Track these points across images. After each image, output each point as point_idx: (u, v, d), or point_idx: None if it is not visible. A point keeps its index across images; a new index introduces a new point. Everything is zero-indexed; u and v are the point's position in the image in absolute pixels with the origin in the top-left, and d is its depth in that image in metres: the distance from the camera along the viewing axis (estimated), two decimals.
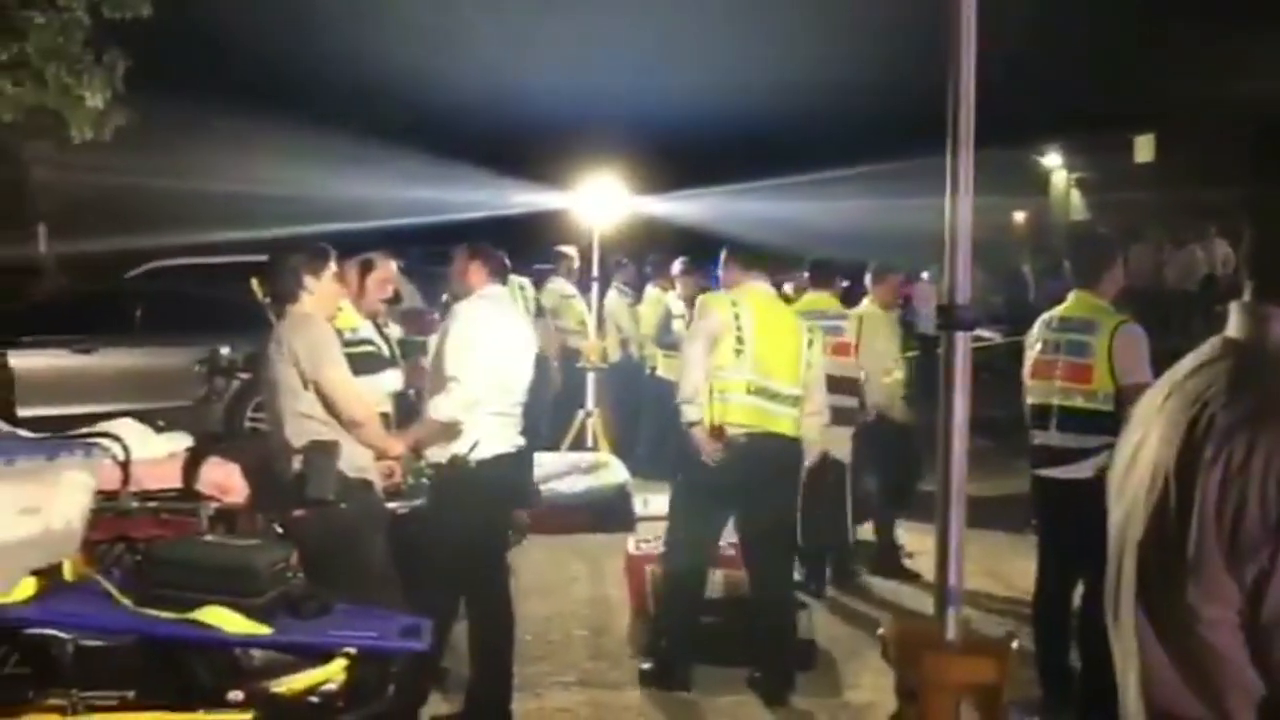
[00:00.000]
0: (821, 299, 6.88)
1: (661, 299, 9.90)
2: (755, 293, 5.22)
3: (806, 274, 7.13)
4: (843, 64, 17.59)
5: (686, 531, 5.25)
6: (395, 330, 5.62)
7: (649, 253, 11.22)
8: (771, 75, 18.48)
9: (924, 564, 6.88)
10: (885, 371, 6.88)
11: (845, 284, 7.72)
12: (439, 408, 4.55)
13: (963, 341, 2.09)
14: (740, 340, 5.05)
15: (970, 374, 2.23)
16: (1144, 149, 26.41)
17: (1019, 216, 28.26)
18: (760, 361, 5.07)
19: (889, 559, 6.96)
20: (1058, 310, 4.90)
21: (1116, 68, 20.67)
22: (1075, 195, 29.29)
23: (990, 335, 11.46)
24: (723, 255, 5.47)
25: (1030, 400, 4.89)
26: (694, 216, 12.18)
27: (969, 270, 2.12)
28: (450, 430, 4.55)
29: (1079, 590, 4.83)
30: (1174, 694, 1.29)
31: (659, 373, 9.48)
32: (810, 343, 5.25)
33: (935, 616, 2.05)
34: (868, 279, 7.24)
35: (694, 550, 5.27)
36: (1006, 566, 6.69)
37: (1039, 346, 4.86)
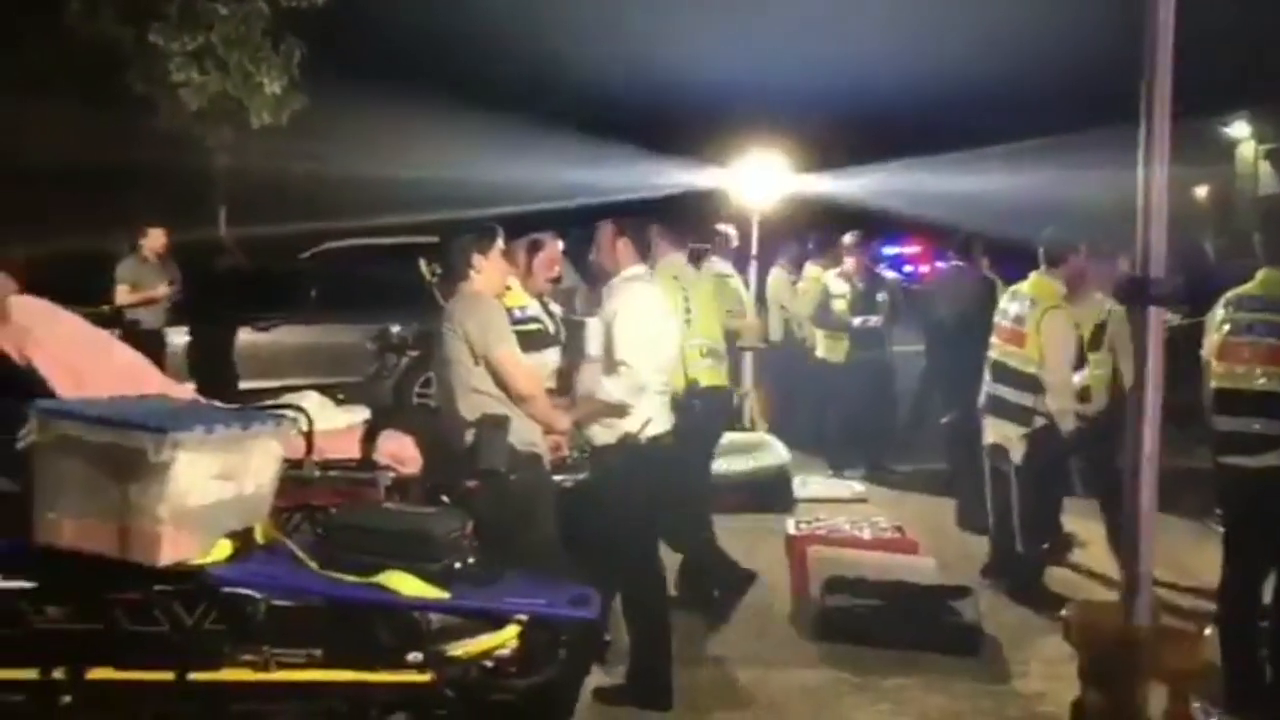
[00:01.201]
0: (1045, 284, 6.09)
1: (820, 278, 9.80)
2: (680, 265, 5.99)
3: (1040, 250, 6.18)
4: (1016, 29, 16.97)
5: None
6: (557, 308, 5.76)
7: (810, 231, 11.12)
8: (939, 43, 17.99)
9: (1089, 554, 6.67)
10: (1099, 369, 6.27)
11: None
12: (609, 390, 4.64)
13: (1156, 318, 2.02)
14: (689, 310, 5.75)
15: (1162, 354, 2.16)
16: None
17: (1200, 190, 26.82)
18: (704, 325, 5.87)
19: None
20: (1246, 288, 4.63)
21: None
22: (1265, 167, 27.58)
23: (1169, 316, 10.95)
24: (652, 231, 5.58)
25: (1216, 384, 4.64)
26: (857, 193, 11.97)
27: (1164, 241, 2.05)
28: (615, 410, 4.65)
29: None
30: None
31: (818, 354, 9.38)
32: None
33: (1123, 600, 2.00)
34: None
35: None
36: (1184, 555, 6.41)
37: (1226, 328, 4.60)
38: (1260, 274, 4.61)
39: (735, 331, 10.06)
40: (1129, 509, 2.07)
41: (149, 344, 8.66)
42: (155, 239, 9.67)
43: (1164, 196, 2.11)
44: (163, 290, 9.51)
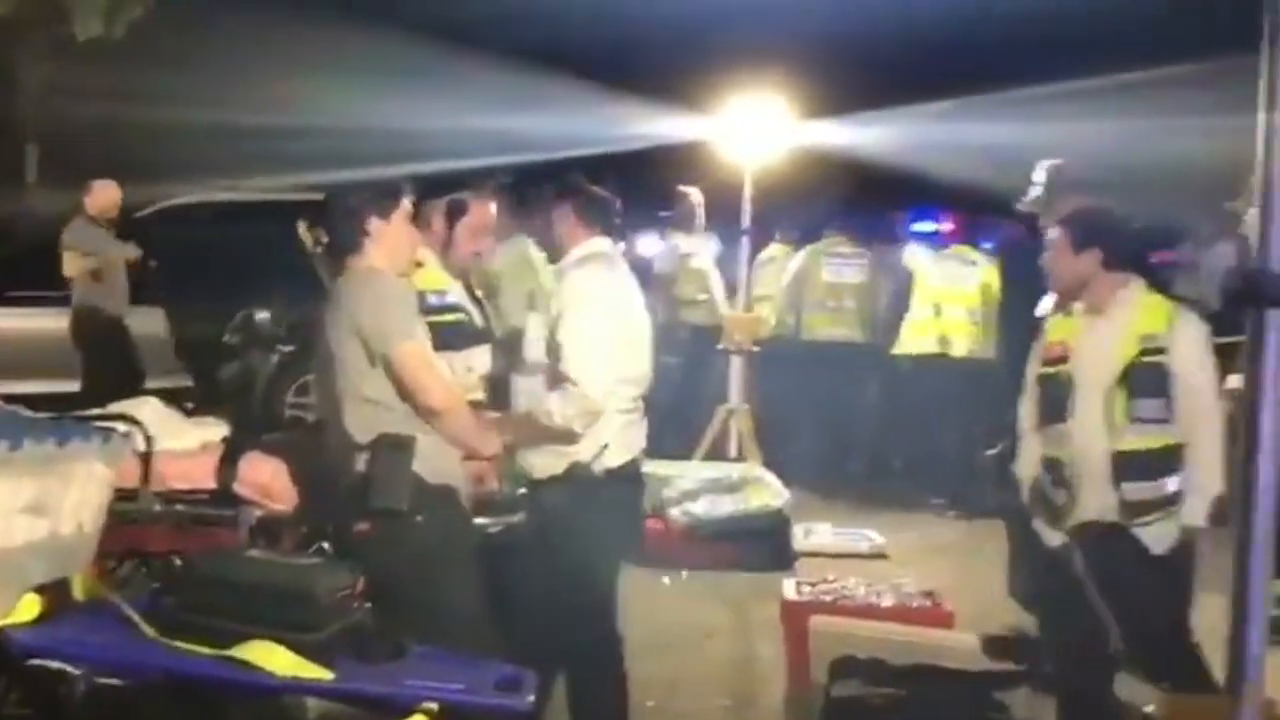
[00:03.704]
0: None
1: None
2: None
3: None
4: None
5: None
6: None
7: (820, 195, 11.23)
8: None
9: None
10: None
11: None
12: (554, 412, 4.64)
13: (1278, 327, 2.07)
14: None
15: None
16: None
17: None
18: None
19: None
20: None
21: None
22: None
23: None
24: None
25: None
26: (881, 146, 12.00)
27: None
28: (559, 436, 4.66)
29: None
30: None
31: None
32: None
33: (1226, 692, 2.04)
34: None
35: None
36: None
37: None
38: None
39: (712, 330, 10.19)
40: (1236, 572, 2.11)
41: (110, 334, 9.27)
42: (104, 196, 9.97)
43: None
44: None
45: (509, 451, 4.79)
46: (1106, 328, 4.89)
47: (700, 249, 10.81)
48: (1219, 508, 4.62)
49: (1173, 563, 4.76)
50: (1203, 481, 4.72)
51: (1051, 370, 4.98)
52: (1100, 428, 4.79)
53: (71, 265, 9.92)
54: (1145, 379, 4.77)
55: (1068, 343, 4.97)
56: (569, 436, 4.67)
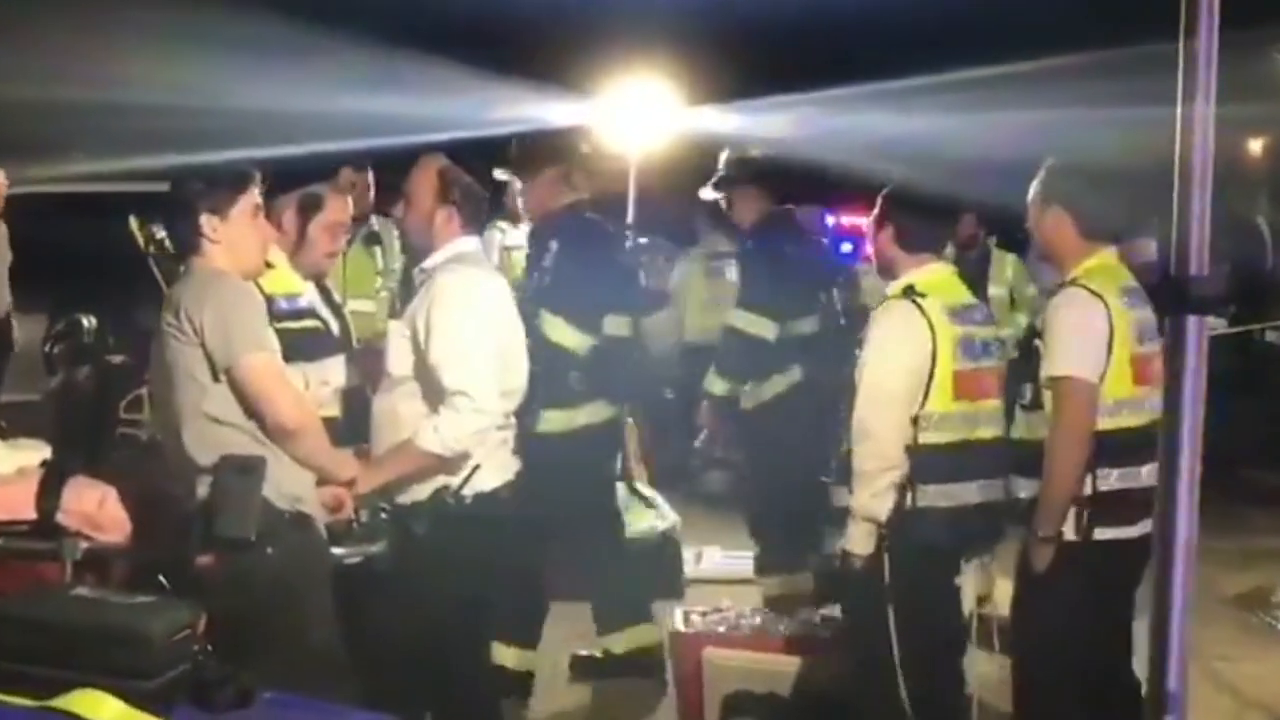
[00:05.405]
0: None
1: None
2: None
3: None
4: None
5: None
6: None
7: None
8: None
9: None
10: None
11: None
12: (446, 436, 4.61)
13: (1197, 331, 2.12)
14: None
15: (1204, 380, 2.27)
16: None
17: (1255, 144, 27.95)
18: None
19: None
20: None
21: None
22: None
23: (1211, 322, 11.38)
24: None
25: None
26: (774, 135, 12.16)
27: (1207, 222, 2.14)
28: (449, 464, 4.65)
29: None
30: None
31: None
32: None
33: None
34: None
35: None
36: (1230, 666, 6.69)
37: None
38: None
39: None
40: (1156, 597, 2.15)
41: None
42: None
43: (1210, 151, 2.20)
44: None
45: (385, 490, 4.77)
46: None
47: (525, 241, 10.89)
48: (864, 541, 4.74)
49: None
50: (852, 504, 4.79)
51: None
52: None
53: None
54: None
55: None
56: (459, 462, 4.64)
